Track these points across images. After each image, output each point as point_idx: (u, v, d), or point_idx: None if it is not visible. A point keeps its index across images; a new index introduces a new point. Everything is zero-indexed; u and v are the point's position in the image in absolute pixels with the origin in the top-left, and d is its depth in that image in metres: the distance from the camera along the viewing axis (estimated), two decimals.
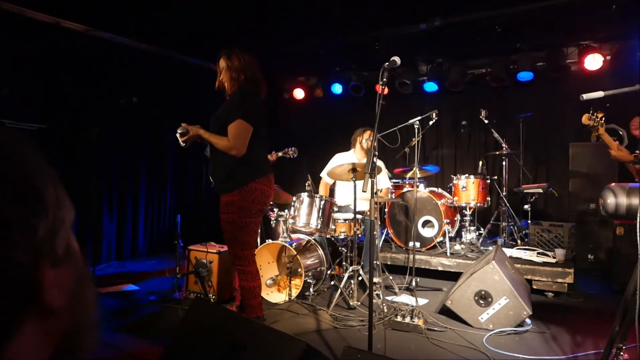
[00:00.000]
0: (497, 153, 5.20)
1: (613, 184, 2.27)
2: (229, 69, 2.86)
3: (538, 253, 4.29)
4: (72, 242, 0.49)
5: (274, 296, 3.89)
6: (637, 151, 3.24)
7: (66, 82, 4.73)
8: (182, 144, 2.84)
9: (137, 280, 4.44)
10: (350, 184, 4.35)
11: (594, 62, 5.36)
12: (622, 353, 2.03)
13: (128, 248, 5.57)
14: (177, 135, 2.80)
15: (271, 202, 3.87)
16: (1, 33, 4.15)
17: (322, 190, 4.64)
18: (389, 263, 4.59)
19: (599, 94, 2.04)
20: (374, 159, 2.33)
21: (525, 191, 4.96)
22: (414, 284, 3.98)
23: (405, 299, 3.81)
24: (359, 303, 3.64)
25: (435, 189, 5.10)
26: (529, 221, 4.84)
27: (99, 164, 4.93)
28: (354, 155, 4.55)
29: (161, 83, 5.80)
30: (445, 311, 3.41)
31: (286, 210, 4.13)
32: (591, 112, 3.32)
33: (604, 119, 3.35)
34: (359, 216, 3.71)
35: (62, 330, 0.47)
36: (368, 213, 3.93)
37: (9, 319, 0.41)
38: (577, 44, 5.57)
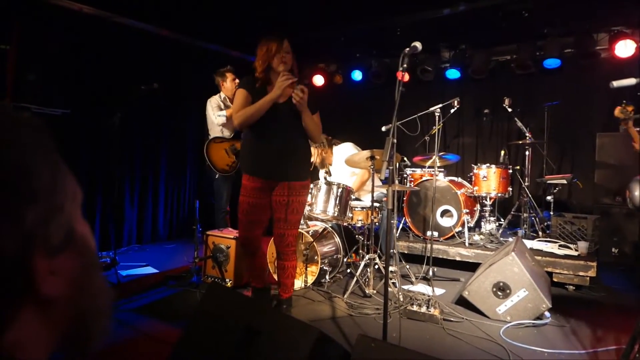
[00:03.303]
0: (520, 142, 5.08)
1: None
2: None
3: (560, 245, 4.20)
4: (77, 227, 0.48)
5: None
6: None
7: (89, 68, 4.80)
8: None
9: (157, 264, 4.52)
10: (347, 175, 4.37)
11: (625, 48, 5.14)
12: None
13: (148, 232, 5.68)
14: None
15: None
16: (25, 20, 4.22)
17: None
18: (406, 252, 4.56)
19: (631, 81, 1.96)
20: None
21: (548, 182, 4.84)
22: (431, 273, 3.94)
23: (421, 288, 3.79)
24: (375, 291, 3.63)
25: (455, 178, 5.02)
26: (552, 212, 4.73)
27: (121, 149, 5.01)
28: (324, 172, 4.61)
29: (182, 69, 5.83)
30: (462, 302, 3.37)
31: None
32: (623, 105, 3.26)
33: (632, 112, 3.28)
34: (376, 204, 3.69)
35: (66, 318, 0.47)
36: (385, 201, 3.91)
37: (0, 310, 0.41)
38: (607, 30, 5.35)
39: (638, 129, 3.63)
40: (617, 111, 3.30)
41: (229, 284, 3.68)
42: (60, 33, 4.53)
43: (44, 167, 0.43)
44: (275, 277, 3.34)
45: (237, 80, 4.58)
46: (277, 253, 3.02)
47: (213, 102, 4.59)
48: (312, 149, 4.44)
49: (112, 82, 4.94)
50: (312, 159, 4.45)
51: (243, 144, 2.98)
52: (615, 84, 2.01)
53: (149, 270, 4.34)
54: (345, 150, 4.40)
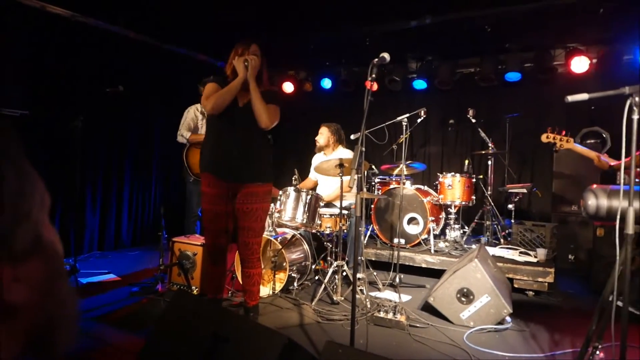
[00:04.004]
0: (483, 152, 5.25)
1: (594, 185, 2.30)
2: None
3: (520, 252, 4.35)
4: (44, 234, 0.47)
5: None
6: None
7: (51, 68, 4.64)
8: None
9: (120, 271, 4.39)
10: (332, 179, 4.40)
11: (580, 64, 5.43)
12: (598, 352, 2.07)
13: (111, 238, 5.51)
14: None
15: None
16: None
17: (307, 184, 4.68)
18: (373, 259, 4.61)
19: (584, 96, 2.07)
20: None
21: (509, 191, 5.02)
22: (397, 280, 4.00)
23: (388, 295, 3.83)
24: (343, 298, 3.65)
25: (421, 186, 5.13)
26: (513, 220, 4.90)
27: (84, 153, 4.85)
28: (322, 155, 4.59)
29: (149, 72, 5.72)
30: (428, 308, 3.44)
31: (272, 204, 4.12)
32: (548, 131, 3.46)
33: (568, 134, 3.46)
34: (344, 211, 3.72)
35: (31, 325, 0.46)
36: (353, 208, 3.95)
37: None
38: (564, 46, 5.63)
39: (593, 141, 3.81)
40: (543, 137, 3.51)
41: (195, 291, 3.61)
42: (20, 31, 4.37)
43: (10, 173, 0.43)
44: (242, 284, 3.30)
45: None
46: (241, 261, 2.98)
47: (188, 117, 4.60)
48: (325, 129, 4.50)
49: (75, 84, 4.79)
50: (320, 138, 4.50)
51: (204, 144, 2.95)
52: (570, 98, 2.12)
53: (111, 277, 4.21)
54: (344, 154, 4.39)
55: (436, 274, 4.16)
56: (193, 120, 4.59)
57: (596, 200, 2.19)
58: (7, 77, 4.25)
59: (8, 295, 0.42)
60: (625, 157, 1.89)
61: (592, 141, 5.11)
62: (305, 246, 4.08)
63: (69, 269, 3.81)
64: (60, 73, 4.71)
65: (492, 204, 4.94)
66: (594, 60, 5.50)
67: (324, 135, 4.52)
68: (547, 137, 3.47)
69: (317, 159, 4.64)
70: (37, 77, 4.52)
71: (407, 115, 4.13)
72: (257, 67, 2.78)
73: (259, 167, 2.87)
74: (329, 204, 4.37)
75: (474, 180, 4.92)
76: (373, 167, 5.21)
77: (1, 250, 0.41)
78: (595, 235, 4.29)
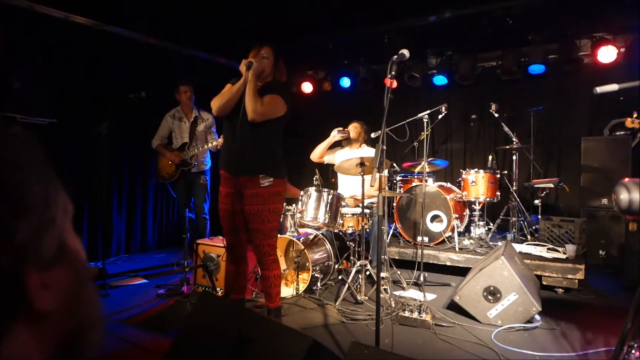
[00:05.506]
0: (507, 147, 5.14)
1: (626, 179, 2.22)
2: None
3: (548, 249, 4.24)
4: (69, 241, 0.48)
5: (281, 290, 3.89)
6: None
7: (76, 76, 4.76)
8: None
9: (146, 274, 4.47)
10: (352, 178, 4.36)
11: (607, 54, 5.25)
12: (633, 351, 1.99)
13: (137, 242, 5.62)
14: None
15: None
16: (11, 28, 4.18)
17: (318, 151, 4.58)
18: (397, 258, 4.57)
19: (613, 87, 2.00)
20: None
21: (535, 186, 4.90)
22: (422, 279, 3.95)
23: (413, 294, 3.79)
24: (367, 298, 3.63)
25: (444, 183, 5.06)
26: (539, 216, 4.79)
27: (109, 158, 4.96)
28: (346, 151, 4.54)
29: (170, 77, 5.79)
30: (454, 307, 3.39)
31: (294, 205, 4.13)
32: (634, 115, 3.33)
33: None
34: (367, 210, 3.70)
35: (59, 331, 0.46)
36: (376, 207, 3.92)
37: None
38: (590, 36, 5.46)
39: (623, 132, 3.67)
40: (628, 122, 3.39)
41: (219, 292, 3.65)
42: (47, 41, 4.49)
43: (35, 181, 0.43)
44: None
45: (188, 93, 4.76)
46: (258, 263, 3.00)
47: (161, 126, 4.77)
48: (358, 125, 4.49)
49: (99, 91, 4.90)
50: (352, 131, 4.44)
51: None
52: (599, 90, 2.05)
53: (138, 280, 4.29)
54: (368, 153, 4.36)
55: (461, 272, 4.10)
56: (164, 128, 4.74)
57: (629, 194, 2.11)
58: (35, 86, 4.38)
59: (38, 301, 0.42)
60: None
61: (622, 133, 4.94)
62: (328, 246, 4.08)
63: (97, 272, 3.90)
64: (85, 81, 4.83)
65: (518, 199, 4.83)
66: (622, 49, 5.32)
67: (357, 129, 4.47)
68: (632, 122, 3.37)
69: (340, 153, 4.57)
70: (63, 85, 4.64)
71: (428, 111, 4.08)
72: (258, 68, 2.79)
73: (262, 161, 2.83)
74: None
75: (498, 175, 4.82)
76: (394, 165, 5.16)
77: (30, 256, 0.42)
78: (627, 229, 4.15)
